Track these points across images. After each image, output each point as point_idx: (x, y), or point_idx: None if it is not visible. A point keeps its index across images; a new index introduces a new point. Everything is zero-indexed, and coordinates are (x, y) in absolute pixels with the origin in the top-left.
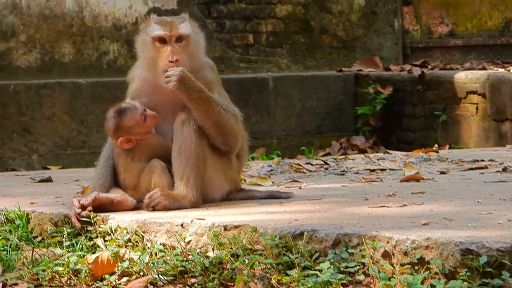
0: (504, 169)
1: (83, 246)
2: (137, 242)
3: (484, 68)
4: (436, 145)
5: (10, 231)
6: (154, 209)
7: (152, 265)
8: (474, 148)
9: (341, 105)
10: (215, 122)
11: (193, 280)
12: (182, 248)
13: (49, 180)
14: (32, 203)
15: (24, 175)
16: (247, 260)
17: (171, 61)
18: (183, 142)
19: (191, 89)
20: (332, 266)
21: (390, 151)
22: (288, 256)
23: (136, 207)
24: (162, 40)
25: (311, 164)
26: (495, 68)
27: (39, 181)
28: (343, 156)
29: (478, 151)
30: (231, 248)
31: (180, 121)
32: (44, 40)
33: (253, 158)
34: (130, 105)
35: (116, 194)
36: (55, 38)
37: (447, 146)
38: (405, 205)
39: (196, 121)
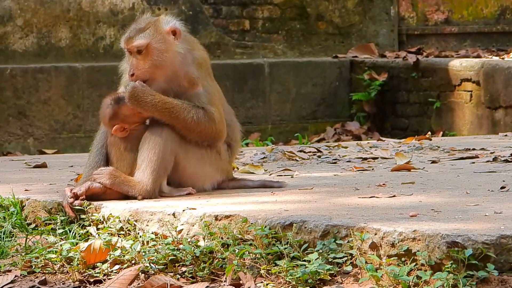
0: (495, 159)
1: (76, 234)
2: (129, 230)
3: (479, 56)
4: (429, 133)
5: (4, 218)
6: (95, 182)
7: (143, 253)
8: (467, 136)
9: (336, 91)
10: (182, 126)
11: (183, 269)
12: (174, 237)
13: (43, 166)
14: (26, 190)
15: (19, 160)
16: (237, 250)
17: (130, 75)
18: (151, 134)
19: (145, 104)
20: (320, 257)
21: (383, 138)
22: (277, 247)
23: (129, 196)
24: (128, 51)
25: (304, 152)
26: (490, 56)
27: (34, 167)
28: (336, 143)
29: (470, 139)
30: (222, 238)
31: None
32: (41, 24)
33: (247, 144)
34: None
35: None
36: (52, 22)
37: (441, 132)
38: (394, 196)
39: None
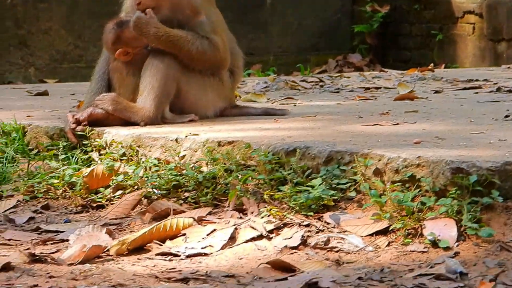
0: (498, 89)
1: (78, 160)
2: (131, 156)
3: None
4: (432, 64)
5: (6, 143)
6: (97, 107)
7: (146, 179)
8: (470, 68)
9: (338, 23)
10: (186, 57)
11: (186, 194)
12: (176, 162)
13: (45, 93)
14: (28, 116)
15: (21, 88)
16: (240, 176)
17: (137, 3)
18: (154, 59)
19: (148, 35)
20: (324, 183)
21: (386, 70)
22: (280, 172)
23: (132, 122)
24: None
25: (306, 82)
26: None
27: (36, 95)
28: (338, 74)
29: (473, 71)
30: (225, 164)
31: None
32: None
33: (249, 75)
34: (131, 18)
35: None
36: None
37: (443, 65)
38: (398, 124)
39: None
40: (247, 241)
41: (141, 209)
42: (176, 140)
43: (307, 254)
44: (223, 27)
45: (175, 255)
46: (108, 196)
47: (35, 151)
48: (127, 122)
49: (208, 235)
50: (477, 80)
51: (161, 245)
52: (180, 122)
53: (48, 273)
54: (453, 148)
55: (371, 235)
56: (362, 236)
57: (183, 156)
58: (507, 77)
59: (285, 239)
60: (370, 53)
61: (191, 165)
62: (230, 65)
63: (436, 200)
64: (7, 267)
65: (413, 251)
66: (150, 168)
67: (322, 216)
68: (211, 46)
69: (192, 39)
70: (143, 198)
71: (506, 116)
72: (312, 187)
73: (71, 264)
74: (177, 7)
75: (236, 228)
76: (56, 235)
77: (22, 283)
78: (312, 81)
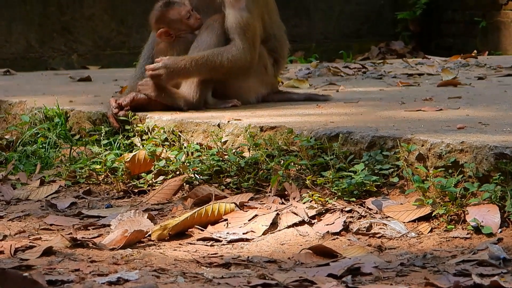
0: None
1: (121, 145)
2: (173, 141)
3: None
4: (475, 51)
5: (48, 129)
6: (140, 93)
7: (188, 164)
8: None
9: (381, 9)
10: (220, 70)
11: (228, 179)
12: (218, 148)
13: (88, 79)
14: (71, 101)
15: (64, 74)
16: (282, 161)
17: None
18: (200, 43)
19: (178, 72)
20: (366, 168)
21: (429, 56)
22: (323, 158)
23: (174, 107)
24: None
25: (349, 68)
26: None
27: (78, 80)
28: (381, 61)
29: None
30: (267, 149)
31: (205, 25)
32: None
33: (291, 61)
34: (179, 1)
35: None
36: None
37: (486, 52)
38: (441, 110)
39: (221, 27)
40: (289, 227)
41: (183, 194)
42: (219, 125)
43: (349, 240)
44: (258, 24)
45: (217, 240)
46: (150, 181)
47: (77, 137)
48: (170, 107)
49: (249, 220)
50: None
51: (202, 230)
52: (223, 108)
53: (89, 258)
54: (497, 133)
55: (414, 221)
56: (404, 222)
57: (225, 142)
58: None
59: (327, 224)
60: (413, 40)
61: (233, 151)
62: (275, 54)
63: (479, 186)
64: (49, 252)
65: (455, 237)
66: (192, 153)
67: (364, 202)
68: (240, 52)
69: (219, 51)
70: (184, 184)
71: None
72: (355, 172)
73: (112, 249)
74: None
75: (278, 214)
76: (98, 220)
77: (64, 268)
78: (354, 68)
